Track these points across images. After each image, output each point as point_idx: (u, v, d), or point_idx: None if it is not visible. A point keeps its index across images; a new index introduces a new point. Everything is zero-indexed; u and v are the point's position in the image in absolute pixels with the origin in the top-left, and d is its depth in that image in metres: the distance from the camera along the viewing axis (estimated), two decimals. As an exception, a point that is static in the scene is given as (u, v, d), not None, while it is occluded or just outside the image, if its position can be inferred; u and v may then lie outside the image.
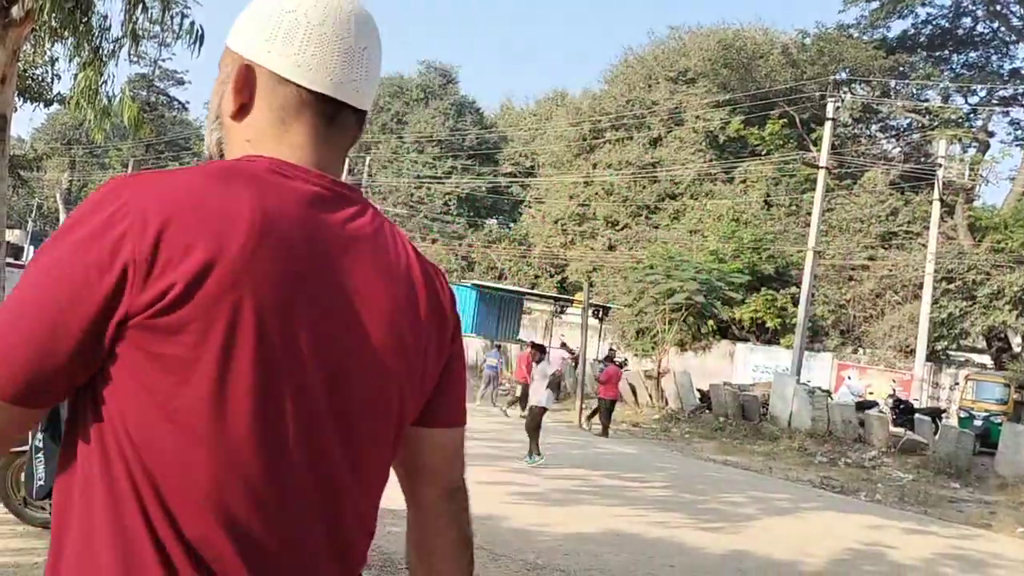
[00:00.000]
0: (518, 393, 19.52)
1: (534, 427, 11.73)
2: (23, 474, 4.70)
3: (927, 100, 41.42)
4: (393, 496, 4.87)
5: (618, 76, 48.79)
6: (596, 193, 44.64)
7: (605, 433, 17.56)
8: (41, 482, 4.39)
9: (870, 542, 9.36)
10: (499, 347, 24.65)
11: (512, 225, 54.89)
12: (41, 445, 4.41)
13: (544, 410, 12.04)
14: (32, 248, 48.07)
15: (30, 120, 66.00)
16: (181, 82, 68.27)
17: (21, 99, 16.35)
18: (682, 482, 12.07)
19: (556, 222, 46.14)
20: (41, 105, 17.99)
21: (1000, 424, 19.51)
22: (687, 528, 8.51)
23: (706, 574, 6.76)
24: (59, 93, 17.04)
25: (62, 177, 59.10)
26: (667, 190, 42.50)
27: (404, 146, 56.72)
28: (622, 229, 43.21)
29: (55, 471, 3.69)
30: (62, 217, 58.40)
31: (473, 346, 29.06)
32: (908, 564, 8.39)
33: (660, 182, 42.50)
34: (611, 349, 19.83)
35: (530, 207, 51.54)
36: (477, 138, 56.53)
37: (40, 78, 16.10)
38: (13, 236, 47.52)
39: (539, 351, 12.89)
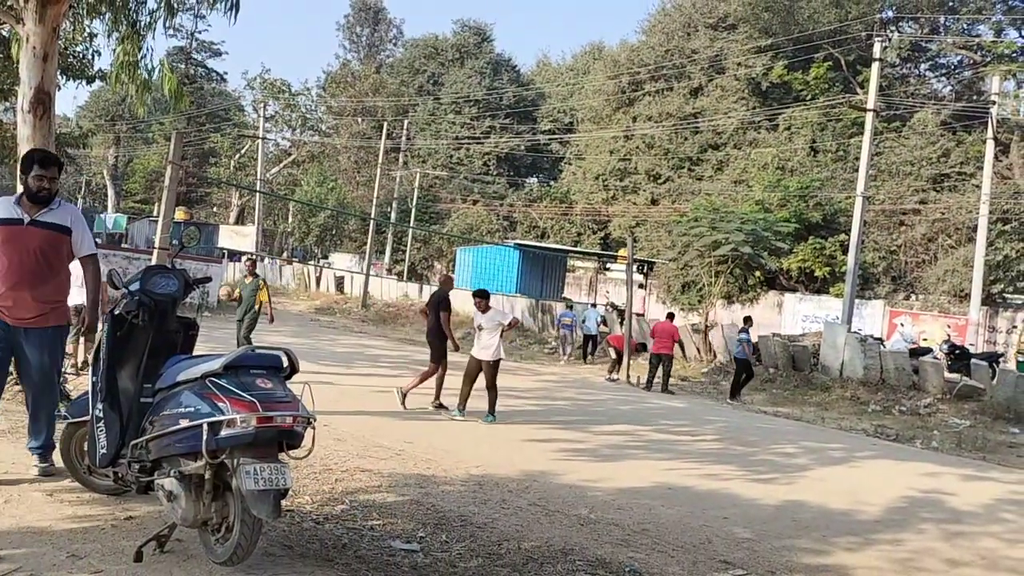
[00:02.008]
0: (612, 355, 19.77)
1: (491, 379, 10.71)
2: (86, 443, 4.83)
3: (979, 35, 39.88)
4: (440, 462, 4.93)
5: (656, 26, 47.86)
6: (637, 147, 44.09)
7: (648, 386, 17.55)
8: (104, 450, 4.50)
9: (927, 489, 9.23)
10: (571, 306, 25.06)
11: (552, 183, 54.55)
12: (102, 415, 4.52)
13: (499, 362, 10.97)
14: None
15: (74, 98, 67.13)
16: (218, 53, 68.68)
17: (64, 77, 16.59)
18: (733, 435, 12.01)
19: (597, 178, 45.73)
20: (83, 82, 18.23)
21: (1060, 367, 19.03)
22: (740, 480, 8.48)
23: (761, 525, 6.72)
24: (100, 69, 17.22)
25: (108, 153, 60.08)
26: (710, 141, 41.80)
27: (441, 107, 56.48)
28: (664, 182, 42.69)
29: (116, 439, 3.84)
30: (110, 193, 59.54)
31: (518, 306, 29.12)
32: (967, 511, 8.26)
33: (702, 133, 41.80)
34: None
35: (570, 164, 51.13)
36: (514, 96, 56.04)
37: (81, 55, 16.30)
38: (65, 213, 48.46)
39: (483, 298, 11.22)
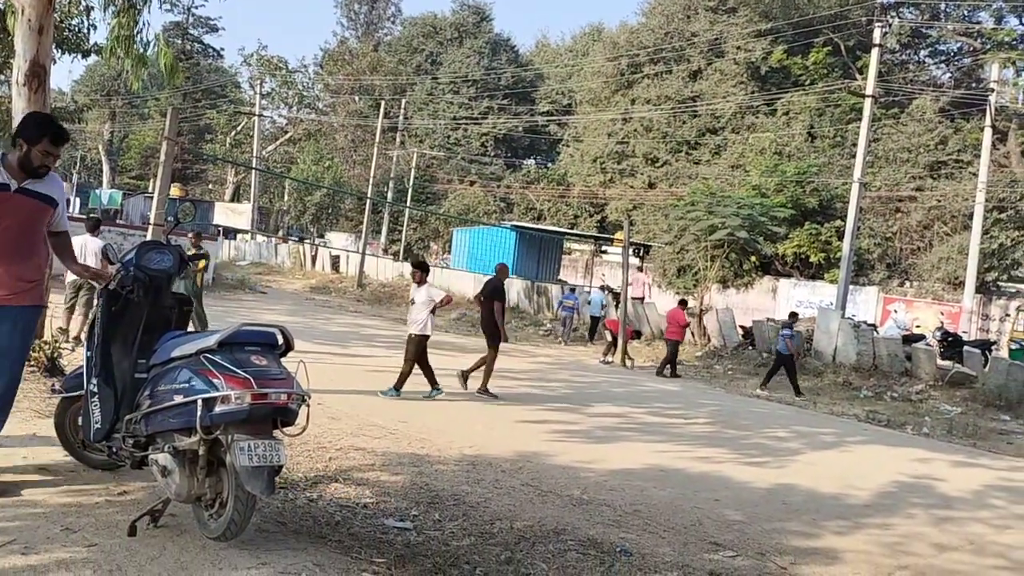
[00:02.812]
0: (608, 338, 19.73)
1: (416, 357, 10.42)
2: (80, 418, 4.84)
3: (979, 22, 39.73)
4: (434, 442, 4.96)
5: (656, 7, 47.55)
6: (635, 130, 43.96)
7: (663, 373, 17.47)
8: (98, 425, 4.51)
9: (918, 475, 9.30)
10: (574, 289, 25.20)
11: (550, 165, 54.40)
12: (96, 390, 4.52)
13: (427, 338, 10.56)
14: (78, 200, 48.90)
15: (69, 72, 66.66)
16: (215, 29, 68.11)
17: (59, 50, 16.45)
18: (726, 418, 12.07)
19: (595, 160, 45.63)
20: (79, 56, 18.08)
21: (1052, 355, 19.12)
22: (731, 463, 8.53)
23: (752, 507, 6.77)
24: (96, 43, 17.08)
25: (103, 128, 59.72)
26: (708, 125, 41.69)
27: (439, 87, 56.18)
28: (662, 166, 42.61)
29: (111, 414, 3.79)
30: (105, 169, 59.27)
31: (514, 287, 29.13)
32: (957, 496, 8.32)
33: (700, 117, 41.67)
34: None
35: (568, 146, 50.99)
36: (513, 77, 55.75)
37: (76, 29, 16.16)
38: (59, 188, 48.25)
39: (422, 271, 10.90)
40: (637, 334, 21.55)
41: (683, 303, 19.05)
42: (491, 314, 11.37)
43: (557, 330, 23.23)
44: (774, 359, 17.24)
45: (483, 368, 11.31)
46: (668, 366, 17.51)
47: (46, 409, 6.28)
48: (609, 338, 19.65)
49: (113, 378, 4.53)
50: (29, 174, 4.50)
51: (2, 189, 4.45)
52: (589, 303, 23.67)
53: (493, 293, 11.50)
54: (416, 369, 10.51)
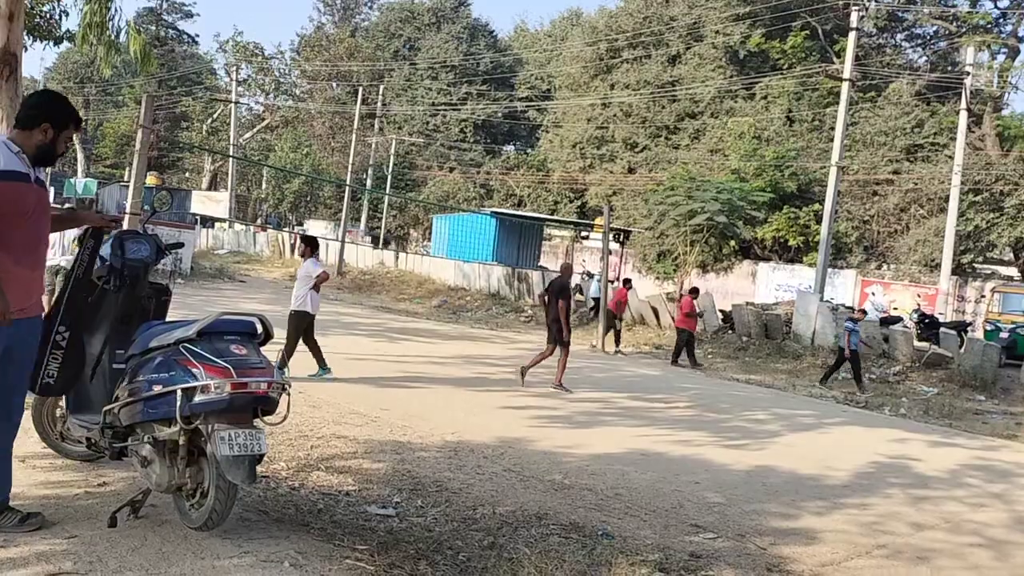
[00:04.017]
0: (617, 326, 19.62)
1: (299, 335, 9.94)
2: (56, 409, 4.79)
3: (955, 6, 39.94)
4: (416, 429, 4.97)
5: (634, -8, 47.44)
6: (614, 115, 43.95)
7: (690, 364, 17.16)
8: (51, 380, 4.33)
9: (895, 455, 9.41)
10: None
11: (530, 151, 54.30)
12: (63, 342, 4.33)
13: (311, 316, 10.07)
14: (52, 189, 48.26)
15: (41, 60, 65.49)
16: (189, 15, 67.28)
17: (30, 37, 16.18)
18: (706, 402, 12.15)
19: (574, 146, 45.60)
20: (51, 43, 17.79)
21: (1026, 336, 19.40)
22: (712, 446, 8.60)
23: (732, 490, 6.84)
24: (68, 30, 16.82)
25: (77, 117, 58.89)
26: (687, 109, 41.74)
27: (417, 73, 55.85)
28: (641, 151, 42.65)
29: (72, 373, 4.42)
30: (80, 157, 58.54)
31: (495, 274, 29.13)
32: (933, 476, 8.44)
33: (679, 101, 41.70)
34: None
35: (547, 132, 50.90)
36: (492, 62, 55.50)
37: (48, 15, 15.91)
38: (33, 178, 47.55)
39: (306, 244, 10.50)
40: (627, 282, 21.49)
41: (694, 291, 18.42)
42: (557, 312, 11.53)
43: (540, 316, 23.32)
44: (848, 358, 15.78)
45: (541, 362, 11.63)
46: (686, 355, 17.29)
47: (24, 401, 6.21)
48: (618, 326, 19.24)
49: (83, 335, 4.43)
50: (41, 162, 3.98)
51: (26, 179, 3.86)
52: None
53: (560, 292, 11.63)
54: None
